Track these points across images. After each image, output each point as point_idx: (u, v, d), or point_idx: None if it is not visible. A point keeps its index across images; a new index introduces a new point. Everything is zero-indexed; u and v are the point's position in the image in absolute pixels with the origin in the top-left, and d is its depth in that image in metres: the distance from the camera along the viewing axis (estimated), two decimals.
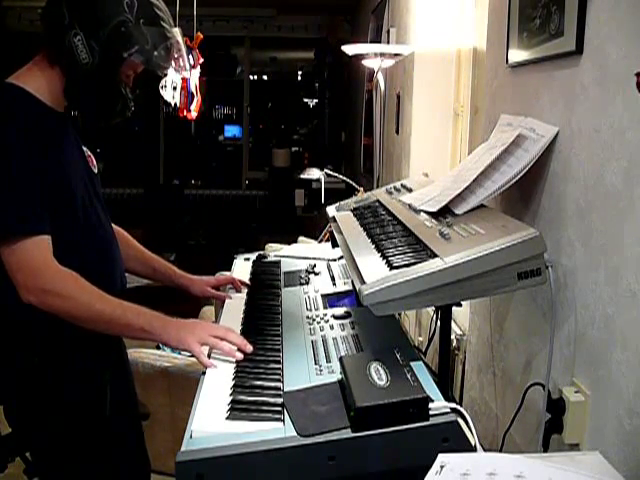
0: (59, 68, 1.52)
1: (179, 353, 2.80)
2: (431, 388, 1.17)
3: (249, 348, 1.39)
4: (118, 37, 1.49)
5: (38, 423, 1.57)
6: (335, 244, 1.84)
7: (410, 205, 1.67)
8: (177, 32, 1.64)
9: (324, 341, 1.44)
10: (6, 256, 1.42)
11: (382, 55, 3.01)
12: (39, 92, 1.51)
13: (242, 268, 2.07)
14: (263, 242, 3.58)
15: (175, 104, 3.27)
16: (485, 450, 1.15)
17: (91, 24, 1.48)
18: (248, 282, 1.90)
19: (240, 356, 1.37)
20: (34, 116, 1.48)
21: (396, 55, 3.04)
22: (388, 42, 3.75)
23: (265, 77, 9.96)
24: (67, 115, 1.61)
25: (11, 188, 1.42)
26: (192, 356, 1.43)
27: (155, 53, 1.54)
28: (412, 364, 1.21)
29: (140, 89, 1.68)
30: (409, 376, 1.16)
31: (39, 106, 1.51)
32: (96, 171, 1.71)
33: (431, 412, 1.10)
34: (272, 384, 1.26)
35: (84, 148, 1.69)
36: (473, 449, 1.08)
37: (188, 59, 3.14)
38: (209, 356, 1.40)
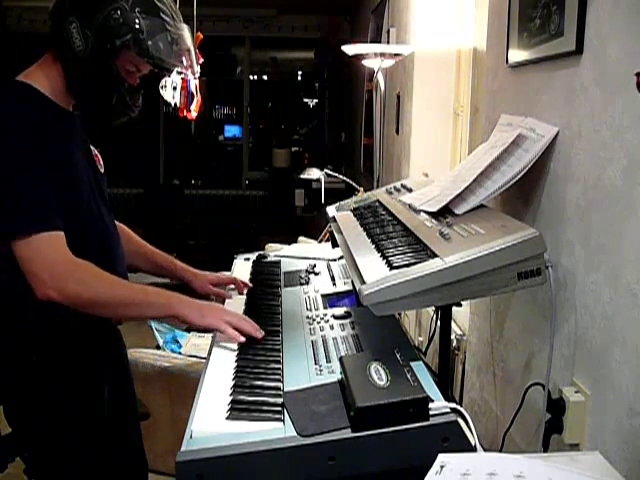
0: (60, 62, 1.52)
1: (179, 353, 2.80)
2: (431, 388, 1.17)
3: (259, 335, 1.45)
4: (110, 24, 1.46)
5: (38, 422, 1.57)
6: (335, 244, 1.84)
7: (410, 205, 1.67)
8: (185, 28, 1.58)
9: (324, 341, 1.44)
10: (22, 252, 1.42)
11: (382, 55, 3.01)
12: (46, 90, 1.51)
13: (242, 268, 2.07)
14: (263, 242, 3.58)
15: (175, 104, 3.27)
16: (485, 450, 1.15)
17: (86, 11, 1.47)
18: (250, 284, 1.89)
19: (242, 339, 1.43)
20: (41, 114, 1.48)
21: (396, 55, 3.04)
22: (388, 42, 3.75)
23: (265, 77, 9.96)
24: (75, 114, 1.61)
25: (27, 186, 1.42)
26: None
27: (149, 43, 1.48)
28: (412, 364, 1.21)
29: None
30: (409, 376, 1.16)
31: (46, 103, 1.51)
32: (103, 170, 1.71)
33: (431, 412, 1.10)
34: (272, 384, 1.26)
35: (92, 147, 1.69)
36: (473, 449, 1.08)
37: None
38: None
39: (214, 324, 1.46)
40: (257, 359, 1.37)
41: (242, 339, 1.43)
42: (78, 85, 1.53)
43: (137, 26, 1.47)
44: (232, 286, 1.89)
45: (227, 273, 2.04)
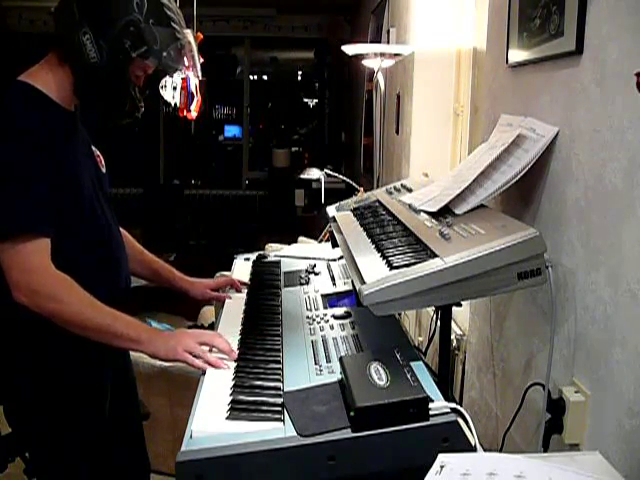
0: (69, 67, 1.52)
1: None
2: (431, 388, 1.17)
3: (233, 356, 1.40)
4: (126, 37, 1.48)
5: (38, 422, 1.57)
6: (335, 244, 1.84)
7: (410, 205, 1.67)
8: (188, 33, 1.62)
9: (324, 341, 1.44)
10: (4, 254, 1.42)
11: (382, 55, 3.01)
12: (49, 90, 1.51)
13: (242, 268, 2.07)
14: (263, 242, 3.58)
15: (175, 104, 3.28)
16: (485, 450, 1.15)
17: (100, 23, 1.48)
18: (248, 282, 1.90)
19: (226, 365, 1.37)
20: (44, 114, 1.48)
21: (396, 55, 3.04)
22: (388, 42, 3.75)
23: (265, 77, 9.95)
24: (77, 114, 1.61)
25: (17, 187, 1.42)
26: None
27: (164, 54, 1.53)
28: (412, 364, 1.21)
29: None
30: (409, 376, 1.16)
31: (49, 104, 1.51)
32: (104, 171, 1.71)
33: (431, 412, 1.10)
34: (272, 384, 1.26)
35: (93, 148, 1.69)
36: (473, 449, 1.08)
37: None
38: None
39: (179, 359, 1.43)
40: (257, 359, 1.37)
41: (208, 366, 1.37)
42: (90, 91, 1.54)
43: (152, 38, 1.50)
44: (230, 286, 1.90)
45: (227, 273, 2.05)
